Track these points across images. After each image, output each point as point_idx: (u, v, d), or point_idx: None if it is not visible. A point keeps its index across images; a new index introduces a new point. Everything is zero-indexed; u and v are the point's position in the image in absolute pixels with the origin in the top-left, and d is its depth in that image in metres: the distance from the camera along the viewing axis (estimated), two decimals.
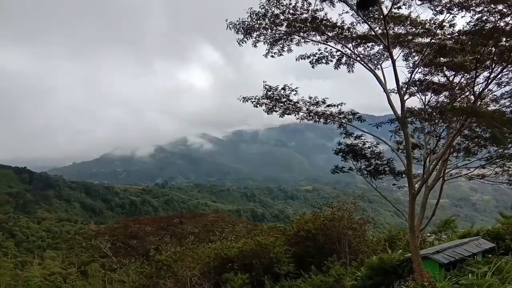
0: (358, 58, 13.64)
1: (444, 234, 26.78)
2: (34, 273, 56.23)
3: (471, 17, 11.47)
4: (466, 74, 13.55)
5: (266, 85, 13.61)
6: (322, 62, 13.74)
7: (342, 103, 13.82)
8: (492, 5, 11.04)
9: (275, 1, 11.99)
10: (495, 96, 14.17)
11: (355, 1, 9.25)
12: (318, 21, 12.36)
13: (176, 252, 24.48)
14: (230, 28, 12.38)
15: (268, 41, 13.07)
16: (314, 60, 13.66)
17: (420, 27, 12.53)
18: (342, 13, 12.00)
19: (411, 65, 13.62)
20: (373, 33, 12.44)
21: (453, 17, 11.57)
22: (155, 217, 78.07)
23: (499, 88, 13.66)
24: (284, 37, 12.98)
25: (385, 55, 13.58)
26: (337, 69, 14.06)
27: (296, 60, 13.59)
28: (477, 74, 12.83)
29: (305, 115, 14.16)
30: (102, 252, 37.46)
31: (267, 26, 12.57)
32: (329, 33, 12.90)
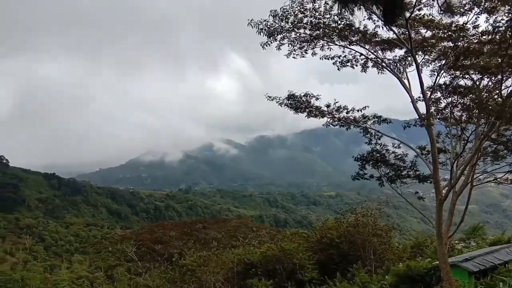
0: (383, 63, 13.50)
1: (473, 241, 26.05)
2: (62, 277, 57.66)
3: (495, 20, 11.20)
4: (493, 77, 13.21)
5: (290, 94, 13.74)
6: (347, 65, 13.67)
7: (365, 106, 13.70)
8: None
9: (298, 4, 12.03)
10: None
11: (380, 11, 9.15)
12: (341, 25, 12.33)
13: (201, 256, 24.68)
14: (252, 26, 12.44)
15: (291, 44, 13.11)
16: (338, 62, 13.60)
17: (444, 30, 12.31)
18: (364, 19, 11.91)
19: (436, 68, 13.38)
20: (396, 37, 12.31)
21: (476, 18, 11.34)
22: (178, 222, 78.90)
23: None
24: (309, 40, 13.00)
25: (409, 59, 13.40)
26: (364, 71, 13.91)
27: (320, 59, 13.56)
28: (505, 77, 12.48)
29: (329, 120, 14.11)
30: (127, 256, 38.07)
31: (290, 29, 12.62)
32: (352, 38, 12.84)
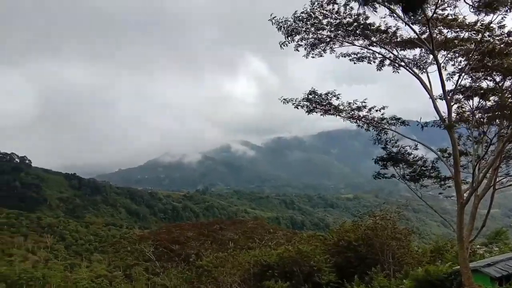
0: (403, 63, 13.30)
1: (495, 246, 25.47)
2: (82, 275, 58.89)
3: None
4: None
5: (311, 91, 13.68)
6: (364, 61, 13.54)
7: (384, 106, 13.53)
8: None
9: (318, 6, 11.95)
10: None
11: (400, 7, 9.00)
12: (362, 25, 12.19)
13: (218, 257, 24.80)
14: (272, 23, 12.42)
15: (309, 45, 13.05)
16: (355, 59, 13.50)
17: (468, 29, 12.02)
18: (385, 16, 11.72)
19: (457, 69, 13.10)
20: (417, 36, 12.09)
21: (502, 18, 11.05)
22: (196, 222, 79.50)
23: None
24: (327, 41, 12.92)
25: (430, 59, 13.16)
26: (380, 70, 13.75)
27: (337, 57, 13.46)
28: None
29: (347, 117, 13.99)
30: (146, 256, 38.55)
31: (308, 30, 12.56)
32: (372, 38, 12.69)
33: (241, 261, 24.47)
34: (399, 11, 10.73)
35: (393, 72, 13.73)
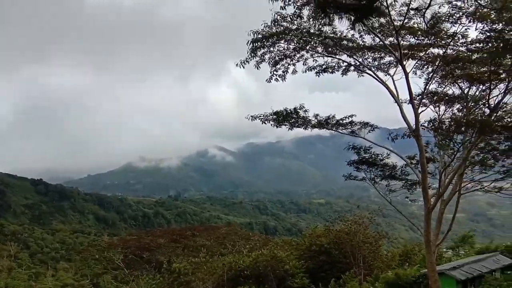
0: (369, 71, 13.63)
1: (461, 249, 26.25)
2: (47, 285, 56.55)
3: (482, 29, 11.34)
4: (480, 86, 13.41)
5: (274, 111, 13.86)
6: (328, 71, 13.82)
7: (352, 115, 13.83)
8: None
9: (279, 20, 11.96)
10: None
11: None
12: (325, 35, 12.34)
13: (192, 262, 24.48)
14: (249, 34, 12.30)
15: (271, 60, 13.01)
16: (320, 70, 13.74)
17: (433, 37, 12.45)
18: (348, 28, 11.92)
19: (424, 76, 13.54)
20: (382, 43, 12.40)
21: (466, 29, 11.51)
22: (167, 229, 78.14)
23: None
24: (291, 55, 12.99)
25: (394, 64, 13.54)
26: (345, 75, 14.07)
27: (303, 72, 13.67)
28: (492, 87, 12.67)
29: (316, 126, 14.22)
30: (114, 264, 37.52)
31: (275, 41, 12.54)
32: (337, 47, 12.92)
33: (215, 266, 24.23)
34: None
35: (358, 77, 14.10)
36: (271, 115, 13.97)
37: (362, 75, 13.97)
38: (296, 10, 11.44)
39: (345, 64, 13.71)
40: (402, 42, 12.22)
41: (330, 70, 13.84)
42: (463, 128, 13.29)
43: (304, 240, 28.06)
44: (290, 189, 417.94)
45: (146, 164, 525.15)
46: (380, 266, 22.86)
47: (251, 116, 13.97)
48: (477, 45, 11.84)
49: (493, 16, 10.93)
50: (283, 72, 13.37)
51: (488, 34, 11.31)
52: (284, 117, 13.90)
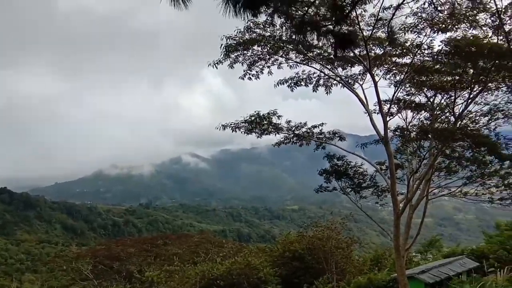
0: (338, 79, 13.93)
1: (429, 253, 26.89)
2: None
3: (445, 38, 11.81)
4: (445, 95, 13.90)
5: (255, 113, 13.89)
6: (301, 85, 14.07)
7: (322, 123, 14.09)
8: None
9: (252, 28, 12.10)
10: (475, 117, 14.52)
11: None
12: (296, 42, 12.53)
13: (166, 270, 24.00)
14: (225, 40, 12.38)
15: (246, 62, 13.20)
16: (292, 84, 13.99)
17: (399, 48, 12.85)
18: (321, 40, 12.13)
19: (393, 84, 13.93)
20: (352, 54, 12.71)
21: (431, 40, 11.94)
22: (138, 238, 76.44)
23: (478, 109, 14.03)
24: (265, 58, 13.16)
25: (364, 74, 13.88)
26: (315, 91, 14.39)
27: (275, 86, 13.91)
28: (457, 95, 13.16)
29: (286, 135, 14.39)
30: (83, 275, 36.34)
31: (246, 47, 12.67)
32: (308, 54, 13.15)
33: (188, 275, 23.85)
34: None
35: (325, 93, 14.37)
36: (242, 123, 13.98)
37: (330, 91, 14.28)
38: (269, 18, 11.58)
39: (316, 76, 14.00)
40: (370, 52, 12.55)
41: (303, 83, 14.09)
42: (429, 135, 13.71)
43: (277, 247, 28.07)
44: (264, 195, 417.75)
45: (118, 172, 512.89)
46: (352, 271, 23.14)
47: (222, 125, 13.93)
48: (442, 56, 12.30)
49: (450, 26, 11.43)
50: (256, 72, 13.50)
51: (449, 45, 11.81)
52: (256, 124, 13.93)
